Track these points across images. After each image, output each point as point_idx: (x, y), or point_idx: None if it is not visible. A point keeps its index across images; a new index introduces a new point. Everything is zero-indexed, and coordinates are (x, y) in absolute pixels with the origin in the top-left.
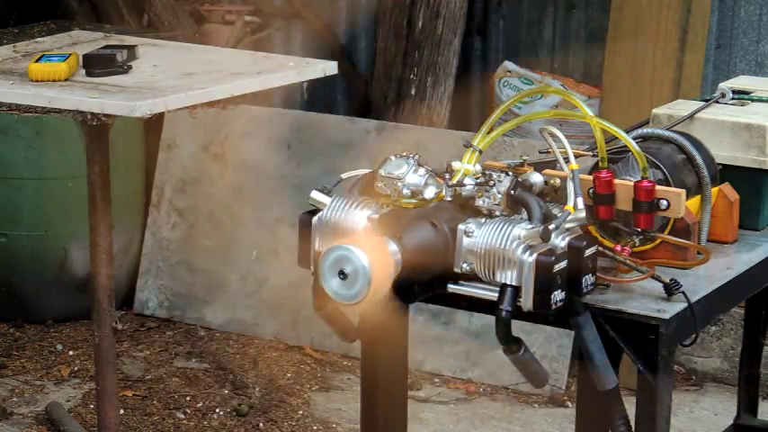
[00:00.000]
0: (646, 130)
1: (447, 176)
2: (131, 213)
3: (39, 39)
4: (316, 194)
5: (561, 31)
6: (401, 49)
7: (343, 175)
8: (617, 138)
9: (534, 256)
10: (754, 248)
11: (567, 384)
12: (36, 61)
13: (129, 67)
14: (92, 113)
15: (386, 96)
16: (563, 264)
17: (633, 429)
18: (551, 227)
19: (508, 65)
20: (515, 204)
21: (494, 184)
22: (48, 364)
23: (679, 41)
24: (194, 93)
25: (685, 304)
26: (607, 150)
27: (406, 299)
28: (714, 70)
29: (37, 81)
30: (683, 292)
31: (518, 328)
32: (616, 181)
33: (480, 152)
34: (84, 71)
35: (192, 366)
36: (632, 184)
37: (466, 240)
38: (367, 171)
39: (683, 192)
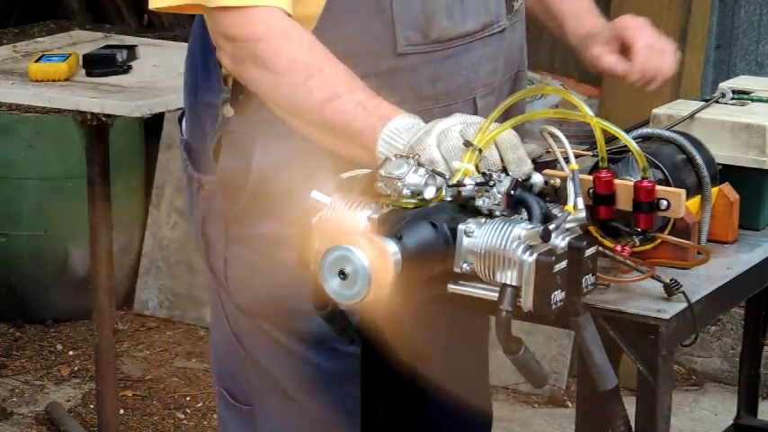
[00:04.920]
0: (646, 130)
1: (447, 176)
2: (131, 213)
3: (39, 39)
4: (316, 194)
5: None
6: None
7: (344, 175)
8: (617, 138)
9: (534, 256)
10: (754, 248)
11: (567, 384)
12: (36, 61)
13: (129, 67)
14: (92, 113)
15: None
16: (563, 264)
17: (633, 429)
18: (551, 227)
19: None
20: (515, 204)
21: (494, 185)
22: (48, 364)
23: (679, 41)
24: None
25: (685, 304)
26: (607, 150)
27: (406, 299)
28: (714, 70)
29: (37, 81)
30: (683, 292)
31: (518, 328)
32: (616, 181)
33: (480, 152)
34: (84, 71)
35: (192, 366)
36: (632, 184)
37: (466, 240)
38: (367, 171)
39: (683, 192)
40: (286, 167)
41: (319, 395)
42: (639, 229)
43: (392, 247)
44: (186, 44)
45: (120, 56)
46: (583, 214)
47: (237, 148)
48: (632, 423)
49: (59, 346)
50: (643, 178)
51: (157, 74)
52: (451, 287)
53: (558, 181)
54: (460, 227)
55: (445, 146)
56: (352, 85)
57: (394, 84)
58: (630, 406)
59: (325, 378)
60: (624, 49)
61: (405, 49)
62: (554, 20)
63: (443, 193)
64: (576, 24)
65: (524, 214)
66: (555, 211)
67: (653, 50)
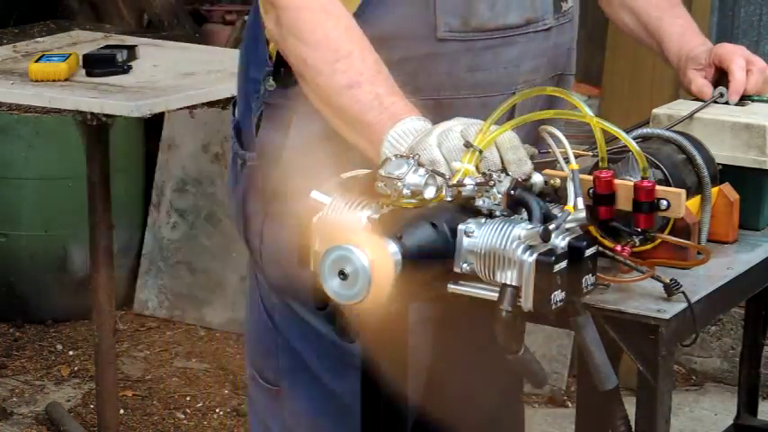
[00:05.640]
0: (646, 130)
1: (447, 176)
2: (131, 213)
3: (39, 39)
4: (316, 194)
5: None
6: None
7: (344, 175)
8: (617, 138)
9: (534, 256)
10: (754, 248)
11: (567, 384)
12: (36, 61)
13: (129, 67)
14: (92, 113)
15: None
16: (563, 264)
17: (633, 429)
18: (551, 227)
19: None
20: (515, 204)
21: (494, 185)
22: (48, 364)
23: None
24: (194, 93)
25: (685, 304)
26: (607, 150)
27: (406, 299)
28: None
29: (37, 81)
30: (683, 292)
31: None
32: (616, 181)
33: (480, 152)
34: (84, 71)
35: (192, 366)
36: (632, 184)
37: (466, 240)
38: (367, 171)
39: (683, 192)
40: (320, 143)
41: (344, 378)
42: (639, 229)
43: (392, 247)
44: (186, 44)
45: (120, 56)
46: (583, 214)
47: (276, 122)
48: (632, 423)
49: (59, 346)
50: (643, 178)
51: (157, 74)
52: (451, 287)
53: (558, 181)
54: (460, 227)
55: (446, 146)
56: (375, 77)
57: (431, 69)
58: (630, 406)
59: (351, 361)
60: (722, 75)
61: (444, 34)
62: (654, 40)
63: (443, 193)
64: (677, 45)
65: (524, 214)
66: (555, 211)
67: (751, 72)
